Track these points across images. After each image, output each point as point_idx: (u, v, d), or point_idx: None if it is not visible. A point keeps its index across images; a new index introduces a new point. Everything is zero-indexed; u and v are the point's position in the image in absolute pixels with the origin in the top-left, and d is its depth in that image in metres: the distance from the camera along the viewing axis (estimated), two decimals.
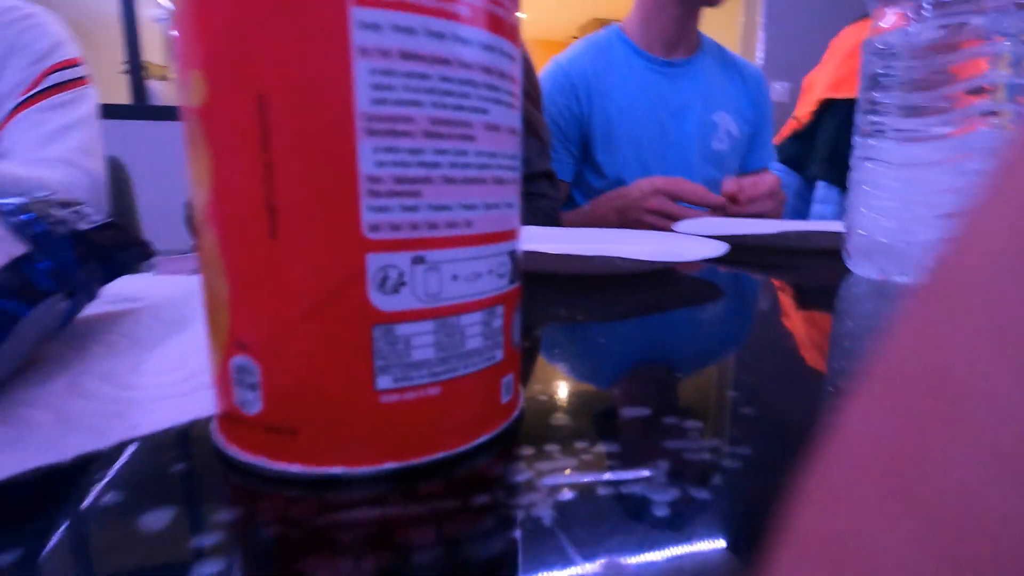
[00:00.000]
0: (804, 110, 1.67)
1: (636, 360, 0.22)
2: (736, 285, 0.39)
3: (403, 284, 0.12)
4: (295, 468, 0.13)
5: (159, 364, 0.20)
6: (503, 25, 0.13)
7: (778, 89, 2.58)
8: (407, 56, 0.11)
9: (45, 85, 0.65)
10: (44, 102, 0.65)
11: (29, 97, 0.64)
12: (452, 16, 0.12)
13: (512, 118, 0.14)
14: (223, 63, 0.11)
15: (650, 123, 0.93)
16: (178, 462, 0.14)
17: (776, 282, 0.40)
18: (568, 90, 0.91)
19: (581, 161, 0.96)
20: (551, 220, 0.73)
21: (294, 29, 0.11)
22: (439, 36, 0.12)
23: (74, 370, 0.19)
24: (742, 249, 0.55)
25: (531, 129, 0.72)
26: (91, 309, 0.28)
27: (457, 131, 0.12)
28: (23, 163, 0.61)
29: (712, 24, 1.08)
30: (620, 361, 0.22)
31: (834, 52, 1.39)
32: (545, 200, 0.73)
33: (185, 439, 0.15)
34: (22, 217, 0.21)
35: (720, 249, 0.40)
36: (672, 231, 0.59)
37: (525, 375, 0.20)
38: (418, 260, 0.12)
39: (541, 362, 0.22)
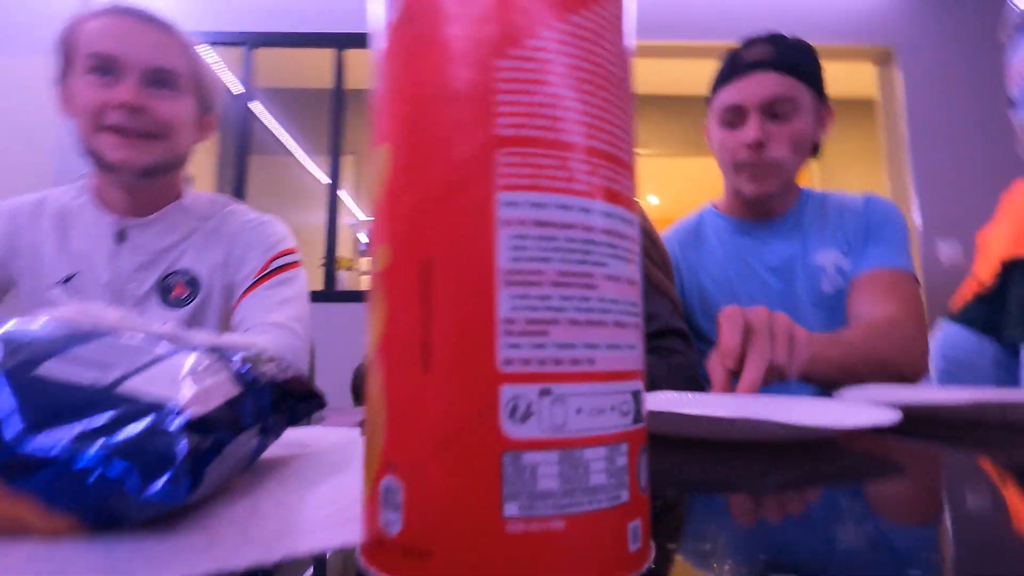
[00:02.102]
0: (985, 270, 1.50)
1: (788, 543, 0.20)
2: (915, 460, 0.34)
3: (531, 414, 0.14)
4: None
5: (319, 498, 0.22)
6: (619, 196, 0.16)
7: (946, 249, 2.36)
8: (539, 224, 0.14)
9: (271, 268, 0.83)
10: (269, 281, 0.82)
11: (259, 278, 0.82)
12: (576, 192, 0.15)
13: (629, 271, 0.16)
14: (402, 237, 0.15)
15: (748, 283, 0.92)
16: None
17: (978, 460, 0.34)
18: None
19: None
20: (690, 378, 0.72)
21: (456, 209, 0.14)
22: (565, 208, 0.15)
23: (254, 497, 0.22)
24: (923, 421, 0.47)
25: (660, 290, 0.77)
26: (272, 451, 0.32)
27: (580, 281, 0.14)
28: (246, 334, 0.76)
29: (857, 189, 1.06)
30: (770, 540, 0.20)
31: (1009, 208, 1.28)
32: (680, 356, 0.73)
33: (338, 562, 0.16)
34: (240, 367, 0.26)
35: (890, 418, 0.36)
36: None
37: (662, 537, 0.19)
38: (545, 392, 0.14)
39: (679, 530, 0.20)
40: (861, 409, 0.39)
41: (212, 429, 0.20)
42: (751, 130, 0.87)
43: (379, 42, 0.17)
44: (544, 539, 0.13)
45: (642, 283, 0.76)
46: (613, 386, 0.15)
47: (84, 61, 0.74)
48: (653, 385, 0.67)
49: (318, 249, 2.73)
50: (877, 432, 0.41)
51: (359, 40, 2.62)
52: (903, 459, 0.33)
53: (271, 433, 0.27)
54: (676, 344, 0.74)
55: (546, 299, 0.14)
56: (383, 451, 0.15)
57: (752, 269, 0.93)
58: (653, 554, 0.16)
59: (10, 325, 0.23)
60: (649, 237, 0.82)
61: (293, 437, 0.37)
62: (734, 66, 0.89)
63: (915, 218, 2.49)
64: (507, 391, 0.14)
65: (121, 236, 0.80)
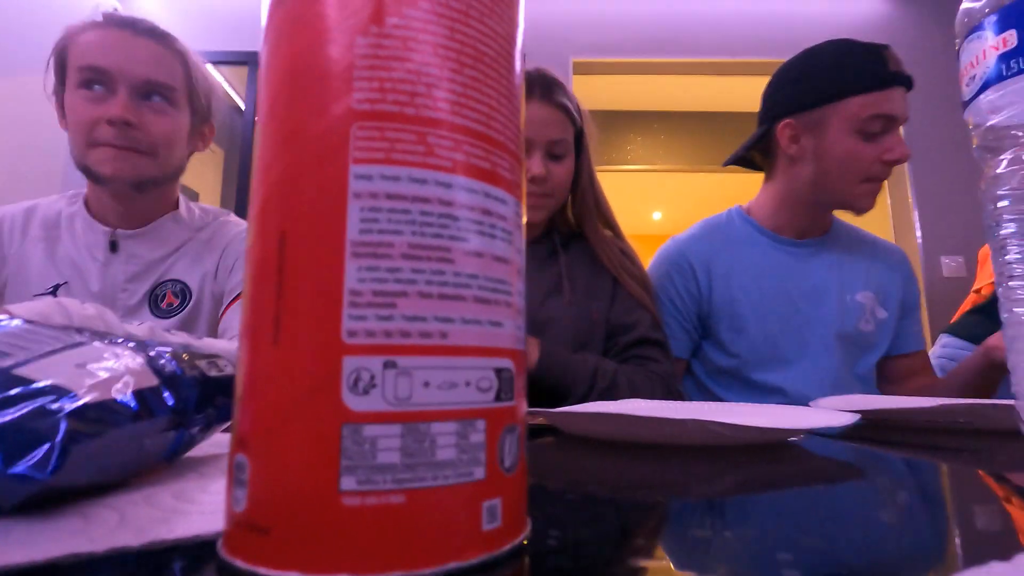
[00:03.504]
0: (985, 282, 1.48)
1: (751, 547, 0.19)
2: (878, 464, 0.33)
3: (374, 386, 0.13)
4: (261, 571, 0.13)
5: (218, 489, 0.22)
6: (487, 173, 0.16)
7: (951, 264, 2.34)
8: (391, 197, 0.14)
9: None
10: None
11: None
12: (433, 167, 0.15)
13: (498, 247, 0.16)
14: (264, 211, 0.15)
15: (779, 303, 0.89)
16: (182, 560, 0.15)
17: (941, 464, 0.33)
18: (686, 270, 0.92)
19: (699, 338, 0.93)
20: (668, 387, 0.73)
21: (311, 182, 0.14)
22: (420, 182, 0.14)
23: (158, 487, 0.22)
24: (886, 427, 0.46)
25: (641, 303, 0.78)
26: (202, 449, 0.32)
27: (435, 255, 0.14)
28: (230, 340, 0.76)
29: None
30: (723, 547, 0.19)
31: None
32: (658, 365, 0.74)
33: (205, 545, 0.16)
34: (162, 360, 0.26)
35: (846, 419, 0.35)
36: None
37: (580, 538, 0.18)
38: (390, 364, 0.14)
39: (604, 537, 0.20)
40: (818, 412, 0.39)
41: (106, 415, 0.20)
42: (900, 146, 0.82)
43: (262, 22, 0.17)
44: (383, 513, 0.13)
45: (625, 297, 0.76)
46: (469, 361, 0.15)
47: (76, 75, 0.74)
48: (632, 393, 0.67)
49: None
50: (839, 438, 0.40)
51: None
52: (862, 462, 0.33)
53: (193, 427, 0.26)
54: (654, 353, 0.75)
55: (395, 271, 0.14)
56: (237, 428, 0.15)
57: (786, 290, 0.90)
58: (524, 536, 0.16)
59: None
60: (627, 256, 0.83)
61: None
62: (886, 73, 0.83)
63: (916, 233, 2.47)
64: (349, 362, 0.13)
65: (113, 246, 0.81)
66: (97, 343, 0.24)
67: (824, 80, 0.86)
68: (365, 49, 0.15)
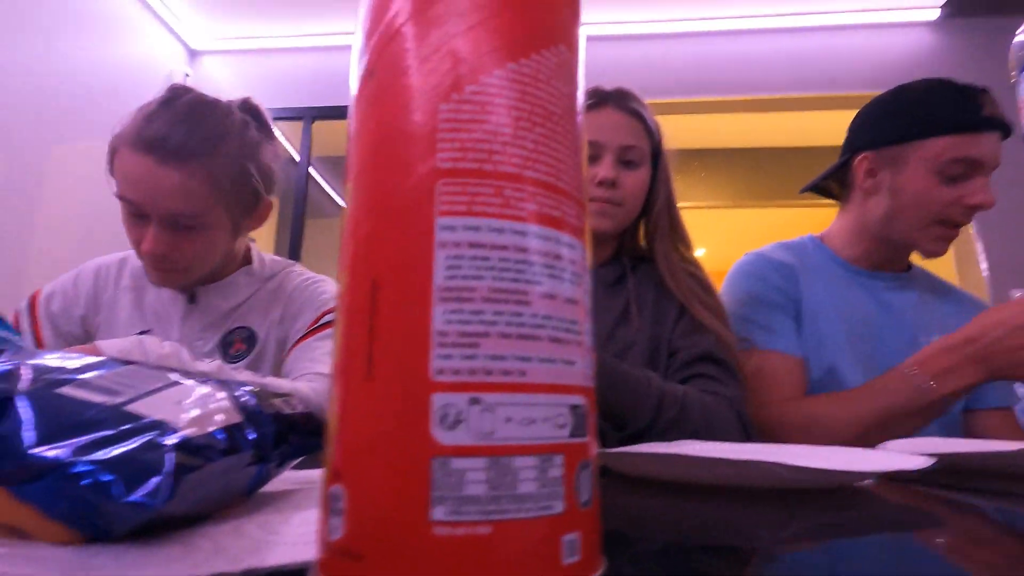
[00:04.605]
0: None
1: None
2: (955, 512, 0.31)
3: (460, 421, 0.14)
4: None
5: (303, 519, 0.23)
6: (556, 221, 0.17)
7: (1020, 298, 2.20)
8: (473, 245, 0.16)
9: (321, 322, 0.87)
10: (318, 333, 0.86)
11: (309, 331, 0.86)
12: (509, 217, 0.16)
13: (569, 290, 0.17)
14: (357, 261, 0.17)
15: (852, 333, 0.86)
16: None
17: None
18: (778, 269, 0.90)
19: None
20: (742, 418, 0.66)
21: (400, 234, 0.16)
22: (498, 231, 0.16)
23: (243, 519, 0.23)
24: (964, 473, 0.44)
25: (707, 328, 0.73)
26: (279, 485, 0.33)
27: (513, 297, 0.16)
28: (293, 380, 0.79)
29: None
30: None
31: None
32: (724, 387, 0.68)
33: (294, 573, 0.17)
34: (244, 398, 0.28)
35: (919, 463, 0.34)
36: None
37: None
38: (474, 401, 0.15)
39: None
40: (889, 455, 0.37)
41: (204, 449, 0.21)
42: (983, 192, 0.80)
43: (352, 94, 0.19)
44: (471, 543, 0.14)
45: (689, 319, 0.72)
46: (546, 397, 0.15)
47: (118, 192, 0.76)
48: (707, 424, 0.61)
49: None
50: (913, 483, 0.38)
51: None
52: (938, 509, 0.31)
53: (271, 462, 0.28)
54: (718, 372, 0.69)
55: (478, 314, 0.15)
56: (332, 460, 0.16)
57: (859, 321, 0.87)
58: (600, 573, 0.16)
59: (49, 358, 0.26)
60: (701, 284, 0.79)
61: (304, 476, 0.39)
62: (977, 117, 0.80)
63: (982, 265, 2.35)
64: (438, 399, 0.14)
65: (192, 298, 0.86)
66: (189, 382, 0.27)
67: (908, 117, 0.85)
68: (447, 114, 0.16)
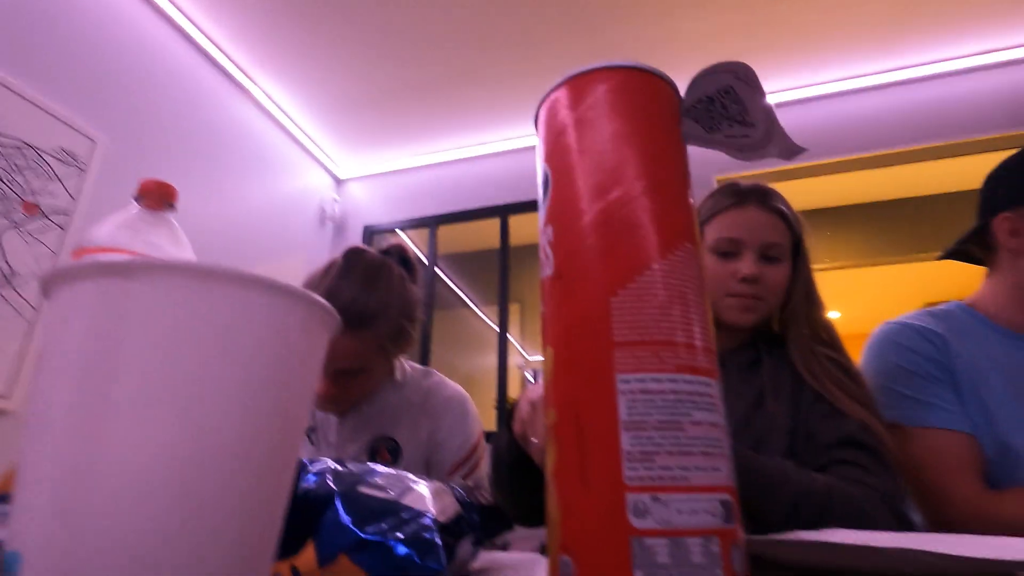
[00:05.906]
0: None
1: None
2: None
3: (647, 513, 0.22)
4: None
5: None
6: (697, 369, 0.25)
7: None
8: (643, 392, 0.24)
9: (465, 464, 0.99)
10: (461, 470, 0.98)
11: (454, 468, 0.98)
12: (665, 371, 0.24)
13: (711, 417, 0.24)
14: (563, 405, 0.26)
15: (1008, 396, 0.81)
16: None
17: None
18: (926, 338, 0.86)
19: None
20: (896, 512, 0.61)
21: (593, 388, 0.25)
22: (658, 381, 0.24)
23: None
24: None
25: (848, 413, 0.70)
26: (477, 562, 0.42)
27: (673, 426, 0.23)
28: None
29: None
30: None
31: None
32: (872, 477, 0.63)
33: None
34: (458, 491, 0.37)
35: None
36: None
37: None
38: (655, 499, 0.22)
39: None
40: None
41: (449, 531, 0.31)
42: None
43: (542, 285, 0.29)
44: None
45: (826, 408, 0.71)
46: (704, 495, 0.23)
47: None
48: (858, 524, 0.55)
49: (491, 390, 2.96)
50: None
51: (519, 207, 3.05)
52: None
53: (480, 544, 0.37)
54: (864, 459, 0.65)
55: (651, 439, 0.23)
56: (560, 539, 0.24)
57: (1015, 385, 0.82)
58: None
59: (330, 462, 0.38)
60: (847, 372, 0.76)
61: (487, 558, 0.47)
62: None
63: None
64: (630, 497, 0.22)
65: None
66: (424, 481, 0.37)
67: None
68: (616, 304, 0.26)
